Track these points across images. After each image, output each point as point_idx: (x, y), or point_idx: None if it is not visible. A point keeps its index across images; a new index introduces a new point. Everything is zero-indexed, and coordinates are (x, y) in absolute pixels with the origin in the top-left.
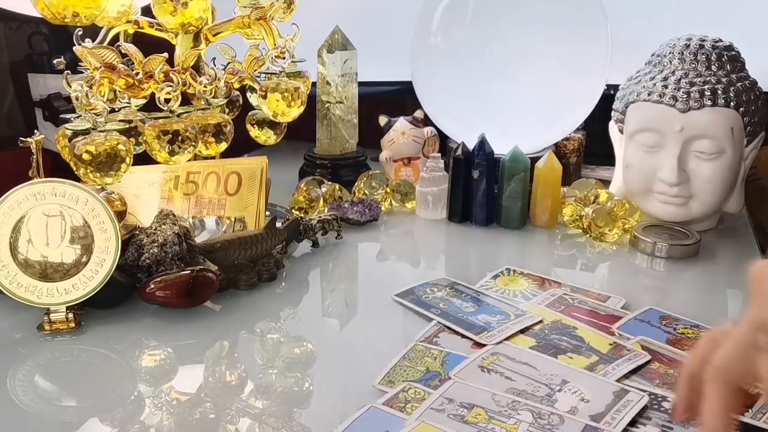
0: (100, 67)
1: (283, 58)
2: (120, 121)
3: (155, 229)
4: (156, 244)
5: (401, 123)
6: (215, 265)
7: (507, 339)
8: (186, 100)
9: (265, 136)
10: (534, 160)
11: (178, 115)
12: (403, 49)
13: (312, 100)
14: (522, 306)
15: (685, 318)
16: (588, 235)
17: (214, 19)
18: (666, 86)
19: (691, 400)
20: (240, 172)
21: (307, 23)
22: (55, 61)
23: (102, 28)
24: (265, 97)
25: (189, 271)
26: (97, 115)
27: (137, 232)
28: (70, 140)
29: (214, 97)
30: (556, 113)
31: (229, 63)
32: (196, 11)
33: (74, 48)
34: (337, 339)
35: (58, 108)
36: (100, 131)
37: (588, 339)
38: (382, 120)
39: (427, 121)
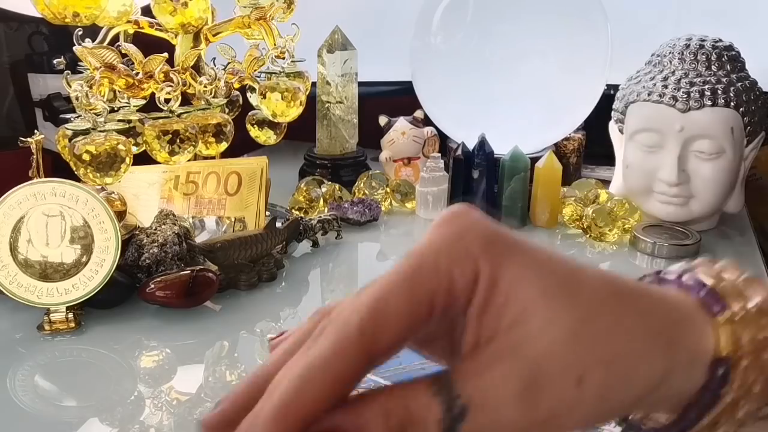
0: (100, 67)
1: (283, 58)
2: (119, 121)
3: (155, 229)
4: (156, 244)
5: (401, 123)
6: (215, 265)
7: None
8: (186, 100)
9: (265, 136)
10: (534, 160)
11: (178, 115)
12: (403, 49)
13: (312, 100)
14: None
15: None
16: (588, 235)
17: (214, 19)
18: (666, 86)
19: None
20: (240, 172)
21: (307, 23)
22: (55, 61)
23: (102, 28)
24: (264, 97)
25: (189, 271)
26: (97, 115)
27: (137, 232)
28: (70, 140)
29: (214, 97)
30: (556, 113)
31: (229, 63)
32: (195, 11)
33: (74, 48)
34: None
35: (58, 108)
36: (100, 131)
37: None
38: (382, 120)
39: (427, 121)
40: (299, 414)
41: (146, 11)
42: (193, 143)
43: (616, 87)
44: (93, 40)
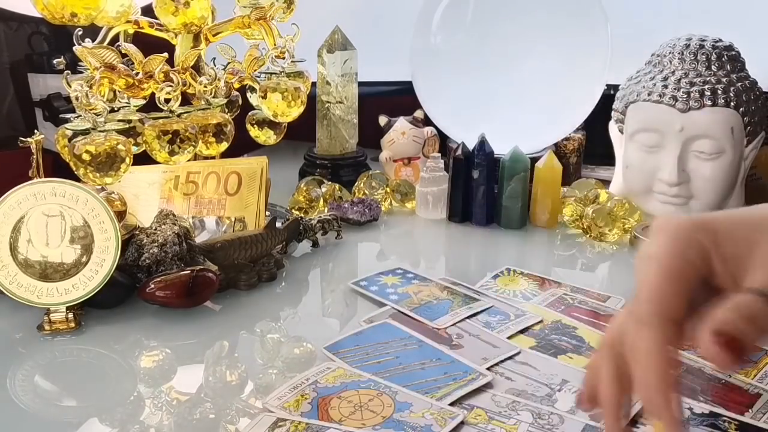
0: (100, 67)
1: (283, 58)
2: (120, 121)
3: (155, 229)
4: (156, 244)
5: (401, 123)
6: (215, 265)
7: (507, 338)
8: (186, 100)
9: (265, 136)
10: (534, 160)
11: (178, 115)
12: (403, 49)
13: (312, 100)
14: (522, 306)
15: None
16: (588, 235)
17: (214, 19)
18: (666, 86)
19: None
20: (240, 172)
21: (307, 23)
22: (55, 61)
23: (102, 28)
24: (264, 97)
25: (189, 271)
26: (97, 115)
27: (137, 232)
28: (70, 140)
29: (214, 97)
30: (556, 113)
31: (229, 63)
32: (198, 11)
33: (74, 48)
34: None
35: (58, 108)
36: (100, 131)
37: (588, 339)
38: (382, 120)
39: (427, 121)
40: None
41: (146, 11)
42: (193, 143)
43: (616, 87)
44: (93, 40)
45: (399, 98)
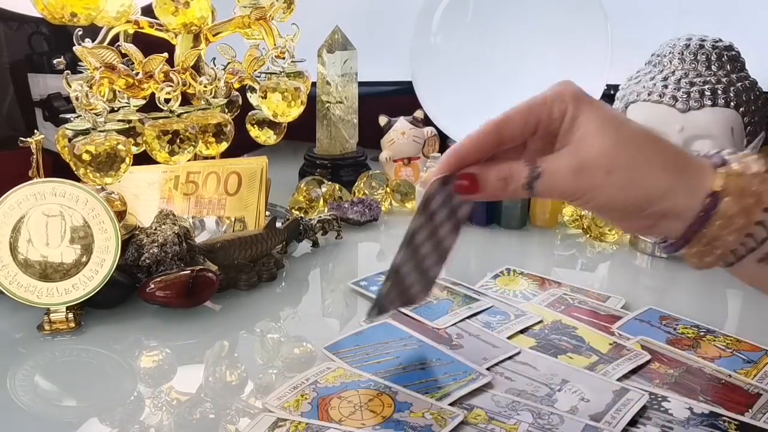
0: (100, 67)
1: (283, 58)
2: (120, 121)
3: (155, 229)
4: (156, 244)
5: (401, 123)
6: (215, 265)
7: (507, 338)
8: (186, 100)
9: (265, 136)
10: None
11: (178, 115)
12: (403, 49)
13: (312, 100)
14: (522, 306)
15: (685, 318)
16: (588, 235)
17: (214, 19)
18: (666, 86)
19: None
20: (240, 172)
21: (307, 23)
22: (55, 61)
23: (102, 28)
24: (264, 97)
25: (189, 271)
26: (97, 115)
27: (137, 232)
28: (70, 140)
29: (214, 97)
30: None
31: (229, 63)
32: (197, 11)
33: (74, 48)
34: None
35: (58, 108)
36: (100, 131)
37: (588, 339)
38: (382, 120)
39: (427, 121)
40: (457, 156)
41: (146, 11)
42: (193, 143)
43: (616, 87)
44: (93, 40)
45: (399, 98)
